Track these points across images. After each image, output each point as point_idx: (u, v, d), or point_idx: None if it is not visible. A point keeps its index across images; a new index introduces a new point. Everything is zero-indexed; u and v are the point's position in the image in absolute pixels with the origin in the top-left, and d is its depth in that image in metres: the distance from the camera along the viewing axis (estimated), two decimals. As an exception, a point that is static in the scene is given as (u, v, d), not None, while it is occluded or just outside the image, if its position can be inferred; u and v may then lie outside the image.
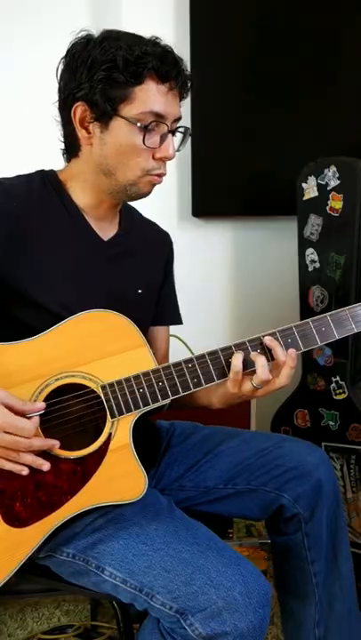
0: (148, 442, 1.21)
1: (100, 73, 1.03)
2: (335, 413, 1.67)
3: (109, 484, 1.02)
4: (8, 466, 0.94)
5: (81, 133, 1.08)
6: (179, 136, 1.13)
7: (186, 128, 1.12)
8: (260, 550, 1.77)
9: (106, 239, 1.18)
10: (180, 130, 1.11)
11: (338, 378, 1.66)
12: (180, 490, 1.25)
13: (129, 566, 0.97)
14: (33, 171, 1.16)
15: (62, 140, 1.15)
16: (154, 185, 1.12)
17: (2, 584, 0.97)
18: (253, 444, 1.25)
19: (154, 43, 1.05)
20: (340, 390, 1.66)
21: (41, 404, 0.96)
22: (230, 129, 1.97)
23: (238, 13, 1.93)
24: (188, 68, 1.10)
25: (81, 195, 1.14)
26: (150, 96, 1.04)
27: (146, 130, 1.05)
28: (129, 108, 1.04)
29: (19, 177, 1.14)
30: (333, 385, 1.67)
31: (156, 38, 1.07)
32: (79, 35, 1.07)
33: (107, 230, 1.19)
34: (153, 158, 1.08)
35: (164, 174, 1.11)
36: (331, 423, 1.68)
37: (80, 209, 1.14)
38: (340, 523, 1.23)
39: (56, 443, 0.98)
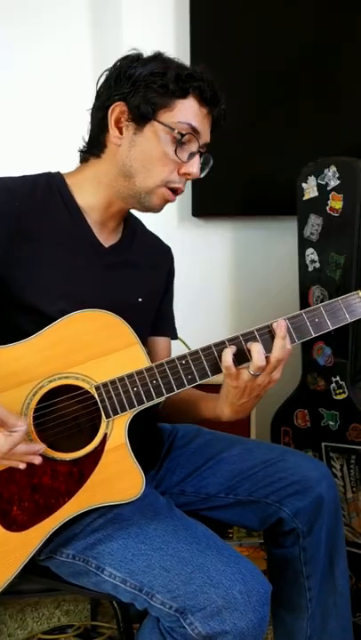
0: (149, 443, 1.21)
1: (149, 78, 1.06)
2: (335, 413, 1.67)
3: (107, 485, 1.01)
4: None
5: (113, 132, 1.10)
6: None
7: (208, 156, 1.16)
8: (259, 550, 1.77)
9: (107, 246, 1.18)
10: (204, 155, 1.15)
11: (338, 378, 1.66)
12: (181, 494, 1.24)
13: (128, 566, 0.97)
14: (37, 171, 1.16)
15: (86, 139, 1.16)
16: (167, 202, 1.14)
17: (3, 588, 0.97)
18: (256, 453, 1.24)
19: (202, 70, 1.11)
20: (340, 390, 1.66)
21: (21, 423, 0.91)
22: (230, 129, 1.96)
23: (238, 13, 1.93)
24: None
25: (90, 195, 1.14)
26: (191, 111, 1.09)
27: (179, 141, 1.08)
28: (168, 115, 1.08)
29: (24, 177, 1.14)
30: (333, 385, 1.67)
31: (204, 67, 1.12)
32: (129, 52, 1.11)
33: (109, 238, 1.19)
34: (177, 173, 1.10)
35: (182, 191, 1.14)
36: (331, 423, 1.67)
37: (84, 212, 1.14)
38: (339, 539, 1.22)
39: (42, 447, 0.97)
